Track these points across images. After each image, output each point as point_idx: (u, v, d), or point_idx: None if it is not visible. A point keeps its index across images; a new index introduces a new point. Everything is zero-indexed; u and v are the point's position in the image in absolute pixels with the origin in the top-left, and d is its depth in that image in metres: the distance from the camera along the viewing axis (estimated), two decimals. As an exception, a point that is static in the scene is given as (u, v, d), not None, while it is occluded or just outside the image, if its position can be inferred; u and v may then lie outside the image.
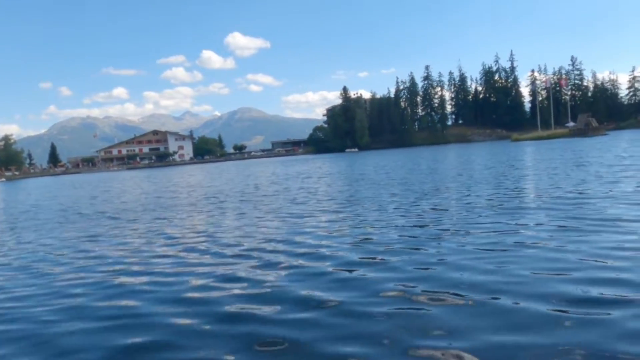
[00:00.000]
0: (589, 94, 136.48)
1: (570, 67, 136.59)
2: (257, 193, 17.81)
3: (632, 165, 16.54)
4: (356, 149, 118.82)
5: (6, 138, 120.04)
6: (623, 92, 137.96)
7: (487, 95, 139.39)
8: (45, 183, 55.14)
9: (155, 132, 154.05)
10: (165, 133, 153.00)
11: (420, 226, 8.11)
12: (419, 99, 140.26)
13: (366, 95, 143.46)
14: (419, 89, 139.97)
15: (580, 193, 10.68)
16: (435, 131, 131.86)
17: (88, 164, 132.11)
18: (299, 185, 20.12)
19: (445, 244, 6.52)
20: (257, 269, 5.98)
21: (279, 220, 10.08)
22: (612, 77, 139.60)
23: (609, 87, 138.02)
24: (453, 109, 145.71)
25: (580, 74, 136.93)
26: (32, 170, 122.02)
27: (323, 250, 6.76)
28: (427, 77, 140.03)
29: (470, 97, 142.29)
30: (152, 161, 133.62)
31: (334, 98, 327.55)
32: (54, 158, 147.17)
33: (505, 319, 3.74)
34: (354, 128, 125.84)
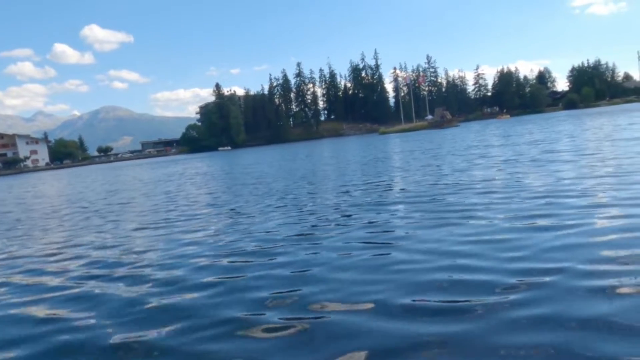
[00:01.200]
0: (443, 89, 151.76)
1: (427, 65, 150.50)
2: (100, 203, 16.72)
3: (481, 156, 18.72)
4: (229, 147, 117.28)
5: None
6: (470, 87, 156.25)
7: (356, 91, 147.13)
8: None
9: (1, 136, 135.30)
10: (13, 136, 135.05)
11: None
12: (292, 95, 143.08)
13: (240, 92, 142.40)
14: (292, 85, 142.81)
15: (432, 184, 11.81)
16: (309, 127, 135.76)
17: None
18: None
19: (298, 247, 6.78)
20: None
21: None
22: (461, 74, 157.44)
23: (459, 83, 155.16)
24: (325, 105, 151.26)
25: (435, 71, 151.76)
26: None
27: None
28: (299, 74, 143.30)
29: (340, 93, 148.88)
30: (0, 168, 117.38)
31: (207, 95, 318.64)
32: None
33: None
34: (229, 125, 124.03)
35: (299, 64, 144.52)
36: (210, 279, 4.97)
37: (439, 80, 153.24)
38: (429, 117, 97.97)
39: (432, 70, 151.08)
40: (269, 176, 18.32)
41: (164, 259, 6.15)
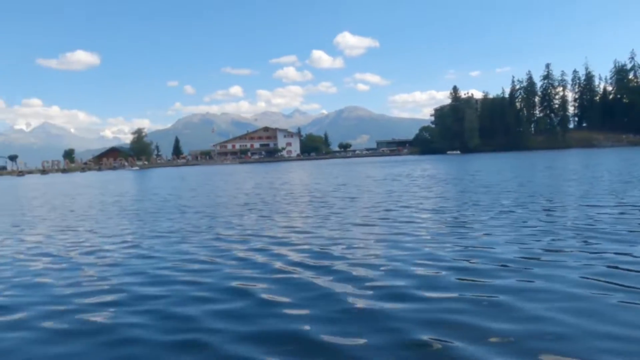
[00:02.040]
0: None
1: None
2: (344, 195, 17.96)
3: None
4: (458, 152, 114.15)
5: (139, 131, 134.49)
6: None
7: (619, 96, 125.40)
8: (173, 172, 61.07)
9: (266, 129, 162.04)
10: (275, 130, 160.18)
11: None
12: (537, 99, 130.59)
13: (478, 95, 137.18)
14: (538, 88, 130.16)
15: None
16: (554, 134, 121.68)
17: (205, 157, 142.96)
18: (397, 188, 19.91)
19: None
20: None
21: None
22: None
23: None
24: (576, 111, 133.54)
25: None
26: (158, 161, 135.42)
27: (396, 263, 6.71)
28: (547, 76, 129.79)
29: (597, 98, 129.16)
30: (262, 156, 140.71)
31: (443, 98, 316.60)
32: (177, 150, 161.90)
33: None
34: (463, 129, 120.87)
35: (547, 65, 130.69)
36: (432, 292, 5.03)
37: None
38: None
39: None
40: (499, 186, 17.25)
41: (369, 258, 6.47)
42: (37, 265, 7.15)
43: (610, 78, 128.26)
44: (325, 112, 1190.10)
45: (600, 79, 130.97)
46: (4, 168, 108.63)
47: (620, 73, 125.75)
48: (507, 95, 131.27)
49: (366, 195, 16.06)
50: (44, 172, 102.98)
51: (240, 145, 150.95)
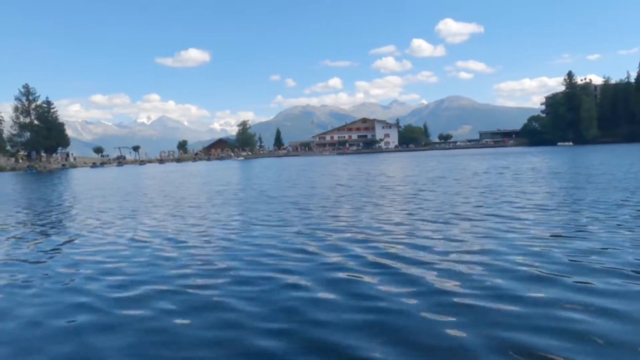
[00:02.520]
0: None
1: None
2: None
3: None
4: (570, 143, 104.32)
5: (244, 123, 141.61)
6: None
7: None
8: (274, 162, 63.83)
9: (364, 120, 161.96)
10: (373, 121, 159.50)
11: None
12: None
13: (597, 80, 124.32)
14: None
15: None
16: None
17: (305, 148, 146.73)
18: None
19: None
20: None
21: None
22: None
23: None
24: None
25: None
26: (261, 152, 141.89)
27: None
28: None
29: None
30: (360, 147, 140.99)
31: (555, 85, 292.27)
32: (278, 141, 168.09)
33: None
34: (578, 118, 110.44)
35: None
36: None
37: None
38: None
39: None
40: (621, 182, 15.52)
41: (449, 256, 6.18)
42: (152, 246, 7.89)
43: None
44: (424, 102, 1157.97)
45: None
46: (123, 157, 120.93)
47: None
48: (632, 80, 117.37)
49: (465, 189, 15.41)
50: (161, 161, 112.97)
51: (339, 137, 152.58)
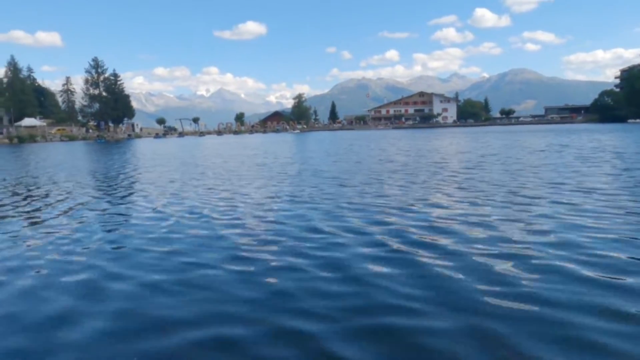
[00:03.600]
0: None
1: None
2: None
3: None
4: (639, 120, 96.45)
5: (299, 96, 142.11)
6: None
7: None
8: (328, 135, 64.03)
9: (421, 94, 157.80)
10: (430, 95, 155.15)
11: None
12: None
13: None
14: None
15: None
16: None
17: (360, 122, 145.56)
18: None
19: None
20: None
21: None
22: None
23: None
24: None
25: None
26: (316, 125, 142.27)
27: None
28: None
29: None
30: (416, 122, 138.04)
31: (633, 57, 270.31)
32: (333, 115, 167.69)
33: None
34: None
35: None
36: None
37: None
38: None
39: None
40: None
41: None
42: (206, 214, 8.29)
43: None
44: (486, 75, 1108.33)
45: None
46: (181, 132, 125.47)
47: None
48: None
49: (520, 171, 14.83)
50: (219, 133, 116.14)
51: (395, 111, 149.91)
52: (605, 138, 33.50)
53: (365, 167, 16.94)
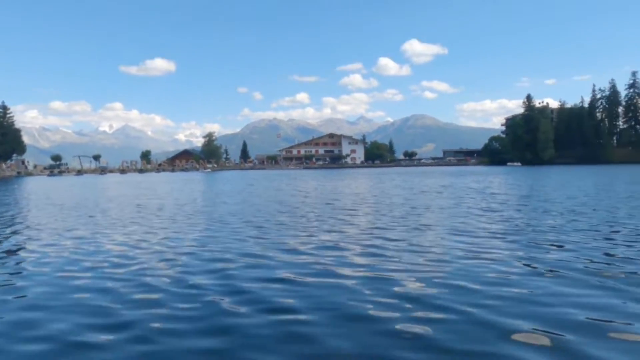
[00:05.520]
0: None
1: None
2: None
3: None
4: (519, 163, 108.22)
5: (210, 135, 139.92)
6: None
7: None
8: (240, 175, 63.34)
9: (331, 136, 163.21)
10: (340, 137, 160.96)
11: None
12: (620, 109, 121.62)
13: (553, 104, 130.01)
14: (622, 98, 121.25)
15: None
16: (639, 147, 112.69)
17: (271, 161, 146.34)
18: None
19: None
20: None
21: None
22: None
23: None
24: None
25: None
26: (227, 164, 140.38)
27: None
28: (633, 85, 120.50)
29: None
30: (326, 162, 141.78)
31: (515, 107, 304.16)
32: (244, 154, 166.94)
33: None
34: (536, 140, 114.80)
35: (634, 74, 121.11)
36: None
37: None
38: None
39: None
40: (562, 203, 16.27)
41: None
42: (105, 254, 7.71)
43: None
44: (390, 119, 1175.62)
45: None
46: (61, 166, 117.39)
47: None
48: (586, 105, 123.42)
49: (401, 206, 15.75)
50: (123, 171, 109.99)
51: (305, 151, 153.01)
52: (482, 179, 36.87)
53: (253, 208, 16.90)
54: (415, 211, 14.05)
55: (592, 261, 6.82)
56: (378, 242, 8.75)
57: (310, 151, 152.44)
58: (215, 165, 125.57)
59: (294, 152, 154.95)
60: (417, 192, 23.33)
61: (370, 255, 7.57)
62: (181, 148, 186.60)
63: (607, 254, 7.26)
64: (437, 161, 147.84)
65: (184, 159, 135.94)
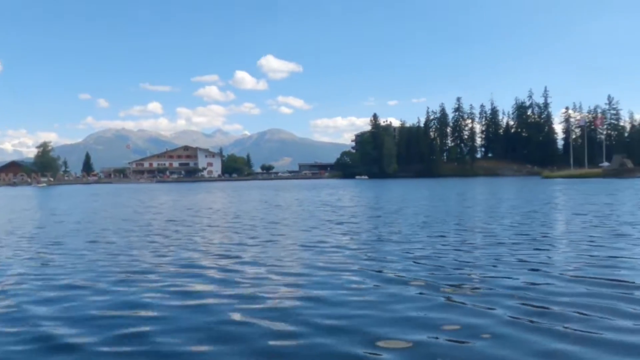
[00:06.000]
0: (626, 134, 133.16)
1: (607, 107, 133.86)
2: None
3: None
4: (366, 177, 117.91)
5: (44, 145, 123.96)
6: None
7: (519, 130, 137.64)
8: (75, 190, 57.01)
9: (186, 148, 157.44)
10: (195, 149, 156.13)
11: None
12: (448, 129, 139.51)
13: (396, 123, 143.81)
14: (450, 120, 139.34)
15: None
16: (463, 163, 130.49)
17: (120, 174, 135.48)
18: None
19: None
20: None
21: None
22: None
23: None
24: (483, 142, 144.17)
25: (617, 113, 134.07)
26: (66, 178, 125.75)
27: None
28: (458, 109, 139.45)
29: (501, 130, 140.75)
30: (181, 176, 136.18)
31: (363, 124, 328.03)
32: (87, 167, 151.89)
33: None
34: (381, 155, 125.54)
35: (458, 99, 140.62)
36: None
37: (621, 124, 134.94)
38: (605, 164, 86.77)
39: (613, 112, 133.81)
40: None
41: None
42: None
43: (512, 113, 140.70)
44: (247, 133, 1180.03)
45: (503, 113, 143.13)
46: None
47: (520, 109, 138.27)
48: (422, 125, 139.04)
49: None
50: None
51: (159, 164, 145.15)
52: (333, 192, 39.16)
53: (97, 227, 15.62)
54: (271, 226, 14.13)
55: (436, 269, 7.51)
56: (233, 259, 8.55)
57: (164, 164, 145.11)
58: (52, 179, 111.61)
59: (146, 164, 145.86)
60: (273, 206, 23.59)
61: (225, 271, 7.38)
62: (8, 159, 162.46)
63: (453, 261, 8.08)
64: (294, 174, 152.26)
65: (11, 172, 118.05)
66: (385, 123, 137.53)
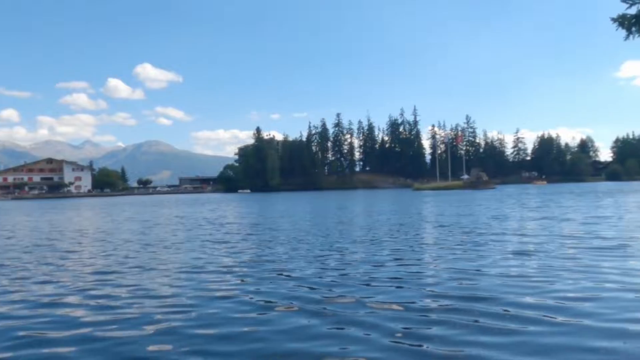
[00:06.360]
0: (481, 150, 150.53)
1: (466, 125, 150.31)
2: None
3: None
4: (248, 190, 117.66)
5: None
6: (509, 150, 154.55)
7: (393, 145, 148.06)
8: None
9: (49, 161, 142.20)
10: (61, 162, 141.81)
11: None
12: (329, 144, 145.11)
13: (279, 137, 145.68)
14: (330, 134, 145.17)
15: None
16: (343, 176, 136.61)
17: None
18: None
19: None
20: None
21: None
22: (500, 136, 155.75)
23: (497, 145, 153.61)
24: (361, 156, 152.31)
25: (474, 131, 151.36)
26: None
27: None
28: (337, 124, 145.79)
29: (377, 145, 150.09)
30: (44, 191, 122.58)
31: (246, 137, 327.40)
32: None
33: None
34: (265, 168, 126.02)
35: (338, 115, 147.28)
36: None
37: (477, 141, 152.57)
38: (465, 176, 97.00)
39: (470, 130, 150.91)
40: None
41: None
42: None
43: (387, 130, 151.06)
44: (122, 144, 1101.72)
45: (379, 129, 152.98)
46: None
47: (394, 126, 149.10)
48: (304, 139, 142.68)
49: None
50: None
51: (15, 178, 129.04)
52: (215, 208, 38.54)
53: None
54: (148, 248, 13.38)
55: (310, 291, 7.72)
56: (105, 289, 7.92)
57: (22, 178, 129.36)
58: None
59: (0, 179, 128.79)
60: (151, 225, 22.35)
61: (95, 308, 6.75)
62: None
63: (338, 278, 8.36)
64: (174, 189, 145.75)
65: None
66: (269, 136, 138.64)
